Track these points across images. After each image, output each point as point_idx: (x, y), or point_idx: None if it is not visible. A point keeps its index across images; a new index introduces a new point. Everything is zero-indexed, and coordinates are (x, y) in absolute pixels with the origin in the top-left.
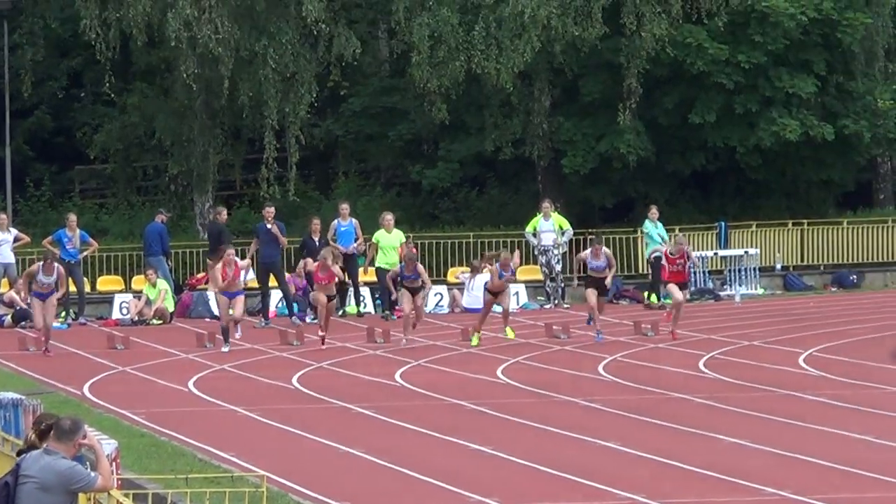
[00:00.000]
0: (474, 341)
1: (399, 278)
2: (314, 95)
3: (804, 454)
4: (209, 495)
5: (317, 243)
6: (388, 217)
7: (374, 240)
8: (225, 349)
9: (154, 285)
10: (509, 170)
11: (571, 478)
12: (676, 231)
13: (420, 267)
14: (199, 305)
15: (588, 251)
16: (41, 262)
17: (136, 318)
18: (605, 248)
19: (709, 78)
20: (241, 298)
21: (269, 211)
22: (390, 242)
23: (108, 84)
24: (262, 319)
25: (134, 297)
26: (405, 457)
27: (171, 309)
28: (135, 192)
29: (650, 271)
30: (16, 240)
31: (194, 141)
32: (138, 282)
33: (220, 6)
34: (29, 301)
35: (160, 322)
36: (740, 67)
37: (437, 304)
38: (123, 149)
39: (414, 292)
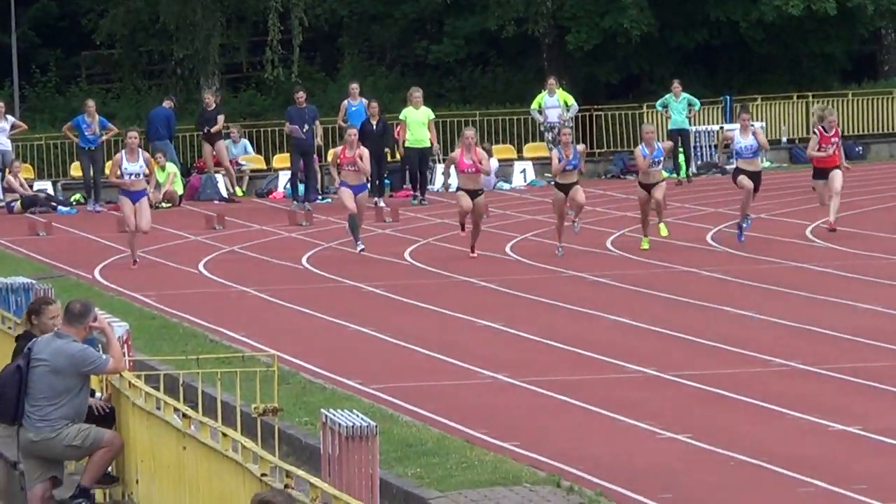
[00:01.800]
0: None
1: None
2: None
3: (813, 325)
4: (220, 376)
5: (374, 127)
6: (417, 94)
7: (401, 117)
8: (360, 247)
9: (163, 169)
10: (513, 47)
11: (582, 352)
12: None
13: (581, 147)
14: (208, 188)
15: (734, 131)
16: (123, 150)
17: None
18: (755, 124)
19: None
20: (365, 195)
21: (301, 95)
22: (418, 119)
23: None
24: (297, 202)
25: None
26: (415, 334)
27: (179, 192)
28: (141, 77)
29: (674, 142)
30: (13, 127)
31: (198, 24)
32: (154, 163)
33: None
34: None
35: (169, 205)
36: None
37: (443, 183)
38: (129, 34)
39: (569, 188)
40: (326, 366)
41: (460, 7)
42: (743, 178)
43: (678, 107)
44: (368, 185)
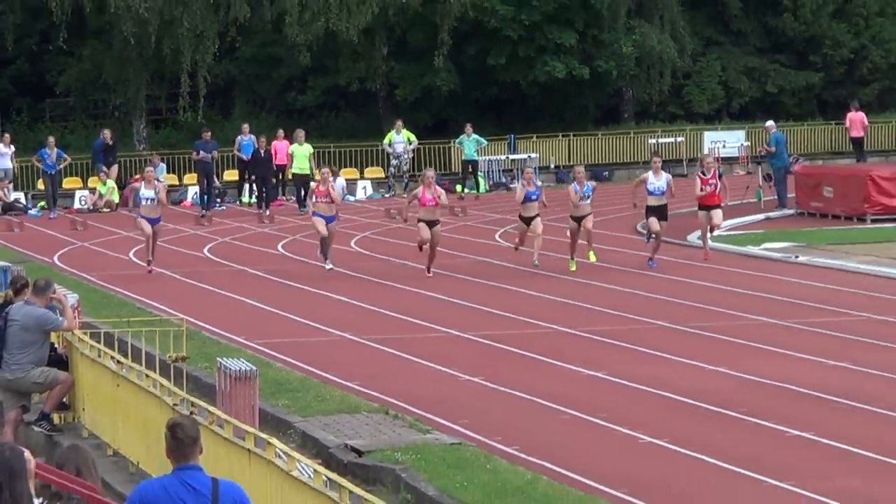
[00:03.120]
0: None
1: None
2: (216, 47)
3: (570, 299)
4: (145, 333)
5: (262, 154)
6: (301, 134)
7: (290, 151)
8: (328, 266)
9: (104, 184)
10: (357, 99)
11: (405, 318)
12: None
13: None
14: (136, 199)
15: (648, 173)
16: (143, 181)
17: (91, 207)
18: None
19: (500, 32)
20: (335, 224)
21: (207, 134)
22: (301, 152)
23: (62, 40)
24: (203, 209)
25: (90, 192)
26: (285, 304)
27: (116, 201)
28: (89, 118)
29: (461, 171)
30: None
31: (130, 80)
32: (93, 181)
33: None
34: (134, 215)
35: (108, 210)
36: (522, 24)
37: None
38: (80, 87)
39: (530, 220)
40: (221, 326)
41: (319, 69)
42: (653, 221)
43: (469, 143)
44: (337, 216)
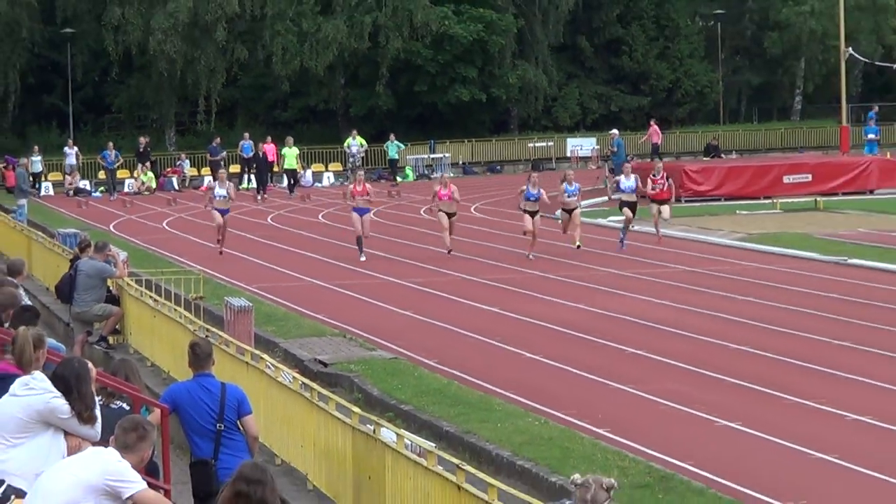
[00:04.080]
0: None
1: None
2: (224, 78)
3: (479, 257)
4: (173, 280)
5: (260, 155)
6: (290, 139)
7: (282, 153)
8: (362, 258)
9: (145, 174)
10: (323, 115)
11: (357, 269)
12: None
13: (543, 194)
14: (167, 185)
15: (620, 176)
16: (217, 179)
17: (136, 191)
18: (633, 173)
19: (423, 67)
20: (368, 217)
21: (217, 140)
22: (290, 153)
23: (115, 73)
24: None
25: (135, 180)
26: (275, 260)
27: (154, 186)
28: (135, 128)
29: (390, 167)
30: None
31: (164, 102)
32: (137, 173)
33: (175, 35)
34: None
35: (148, 193)
36: (439, 62)
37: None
38: (129, 106)
39: (534, 214)
40: (228, 275)
41: (296, 93)
42: (626, 210)
43: (392, 147)
44: (371, 210)
